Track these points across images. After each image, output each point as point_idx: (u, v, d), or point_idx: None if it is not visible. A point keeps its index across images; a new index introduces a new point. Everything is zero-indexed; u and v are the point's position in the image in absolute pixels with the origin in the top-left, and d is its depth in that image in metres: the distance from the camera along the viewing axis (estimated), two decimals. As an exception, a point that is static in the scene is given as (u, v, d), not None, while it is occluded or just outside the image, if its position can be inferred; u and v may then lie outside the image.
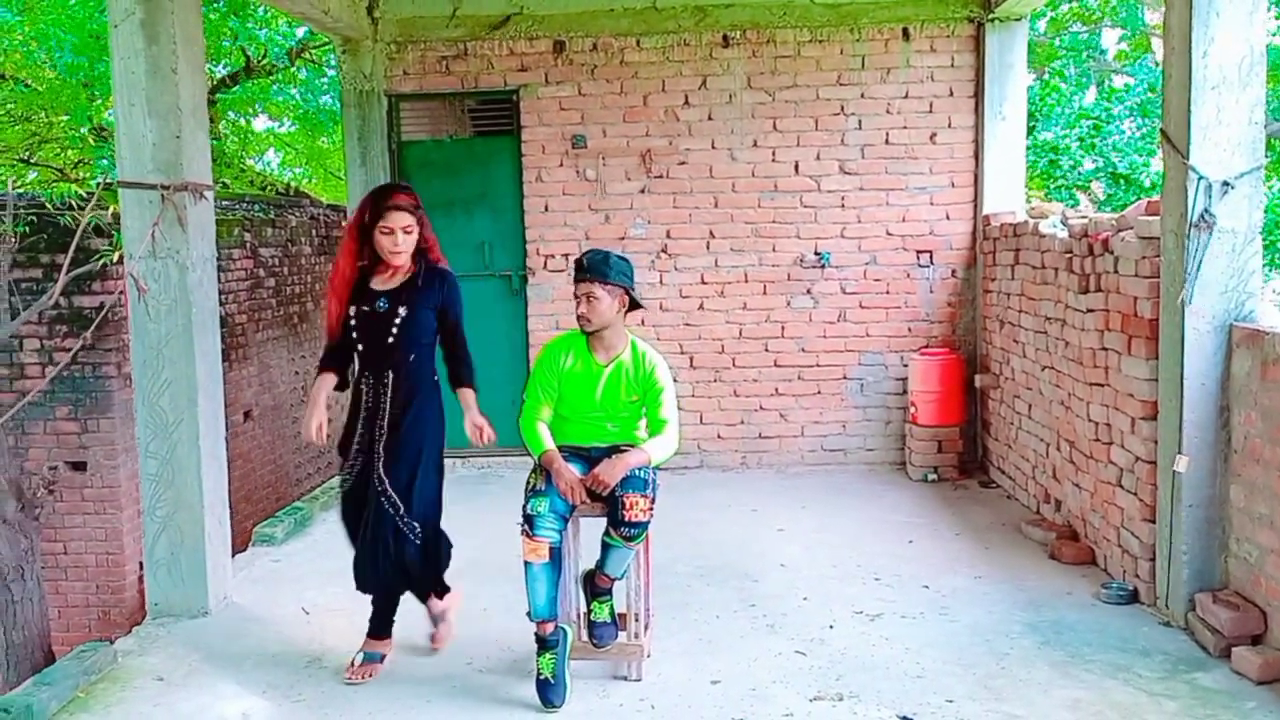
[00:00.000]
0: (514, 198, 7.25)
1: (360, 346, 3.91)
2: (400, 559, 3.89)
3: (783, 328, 7.24)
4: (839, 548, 5.49)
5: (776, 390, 7.28)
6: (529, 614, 3.77)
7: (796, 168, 7.13)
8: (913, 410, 6.94)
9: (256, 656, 4.23)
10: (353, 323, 3.90)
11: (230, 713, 3.74)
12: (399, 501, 3.87)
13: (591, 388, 3.89)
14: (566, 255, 7.20)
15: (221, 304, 8.84)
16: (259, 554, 5.63)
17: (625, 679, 3.92)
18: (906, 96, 7.05)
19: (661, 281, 7.24)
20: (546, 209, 7.22)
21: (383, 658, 4.06)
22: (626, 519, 3.68)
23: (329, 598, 4.90)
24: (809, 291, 7.21)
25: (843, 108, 7.08)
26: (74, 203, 6.62)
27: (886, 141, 7.09)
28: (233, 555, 5.56)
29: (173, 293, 4.43)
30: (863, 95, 7.07)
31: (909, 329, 7.20)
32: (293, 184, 14.90)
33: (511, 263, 7.27)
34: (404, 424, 3.89)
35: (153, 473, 4.54)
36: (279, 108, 13.42)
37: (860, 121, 7.08)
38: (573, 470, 3.81)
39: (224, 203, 9.34)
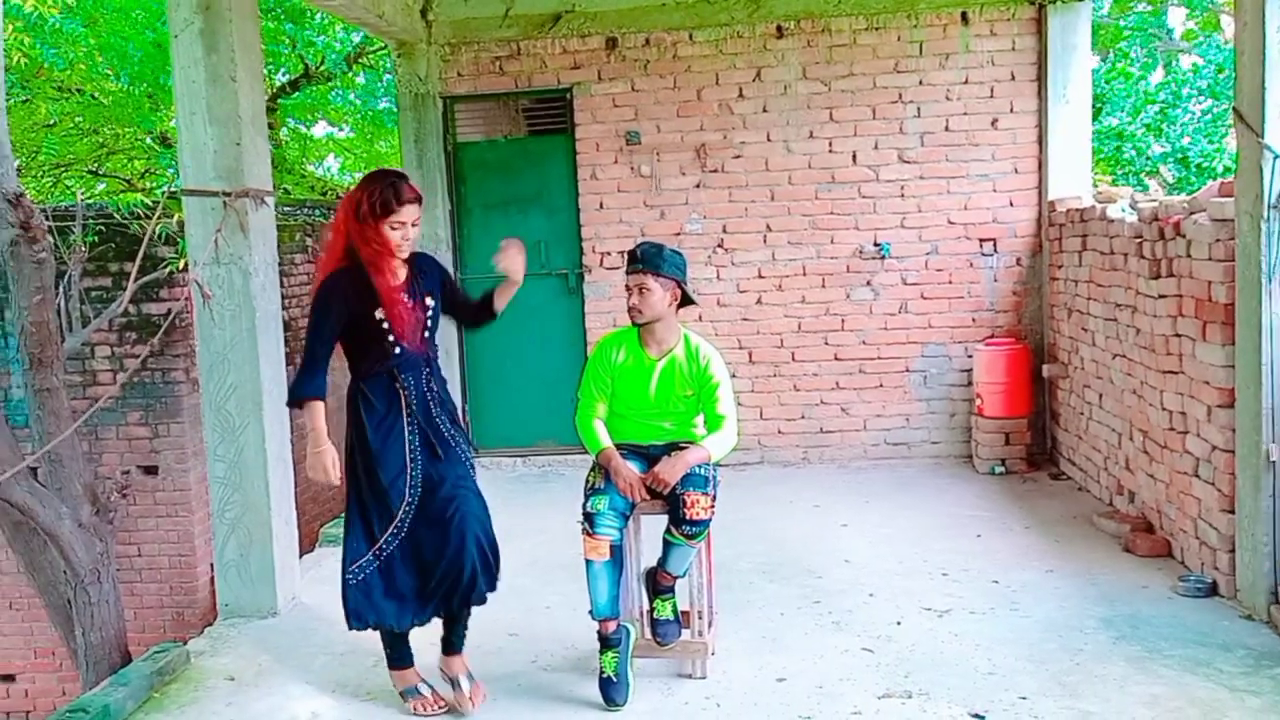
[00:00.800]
0: (569, 196, 7.25)
1: (398, 350, 3.53)
2: (495, 559, 3.71)
3: (843, 321, 7.15)
4: (904, 543, 5.40)
5: (837, 384, 7.19)
6: (591, 613, 3.76)
7: (854, 158, 7.03)
8: (978, 402, 6.81)
9: (325, 656, 4.28)
10: (385, 325, 3.50)
11: (301, 712, 3.78)
12: (478, 497, 3.70)
13: (645, 383, 3.84)
14: (622, 253, 7.13)
15: (285, 307, 8.99)
16: (326, 554, 5.69)
17: (690, 677, 3.89)
18: (966, 82, 6.92)
19: (718, 277, 7.19)
20: (601, 206, 7.21)
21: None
22: (688, 517, 3.65)
23: (394, 597, 4.94)
24: (869, 283, 7.11)
25: (901, 95, 6.96)
26: (140, 211, 6.75)
27: (946, 128, 6.96)
28: (301, 556, 5.65)
29: (236, 298, 4.50)
30: (921, 82, 6.95)
31: (973, 319, 7.06)
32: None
33: (567, 261, 7.27)
34: (448, 415, 3.68)
35: (220, 476, 4.61)
36: (338, 113, 13.60)
37: (919, 109, 6.96)
38: (631, 468, 3.78)
39: (285, 208, 9.48)
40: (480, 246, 7.40)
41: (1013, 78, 6.87)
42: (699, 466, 3.74)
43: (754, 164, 7.10)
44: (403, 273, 3.58)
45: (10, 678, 7.96)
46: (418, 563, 3.59)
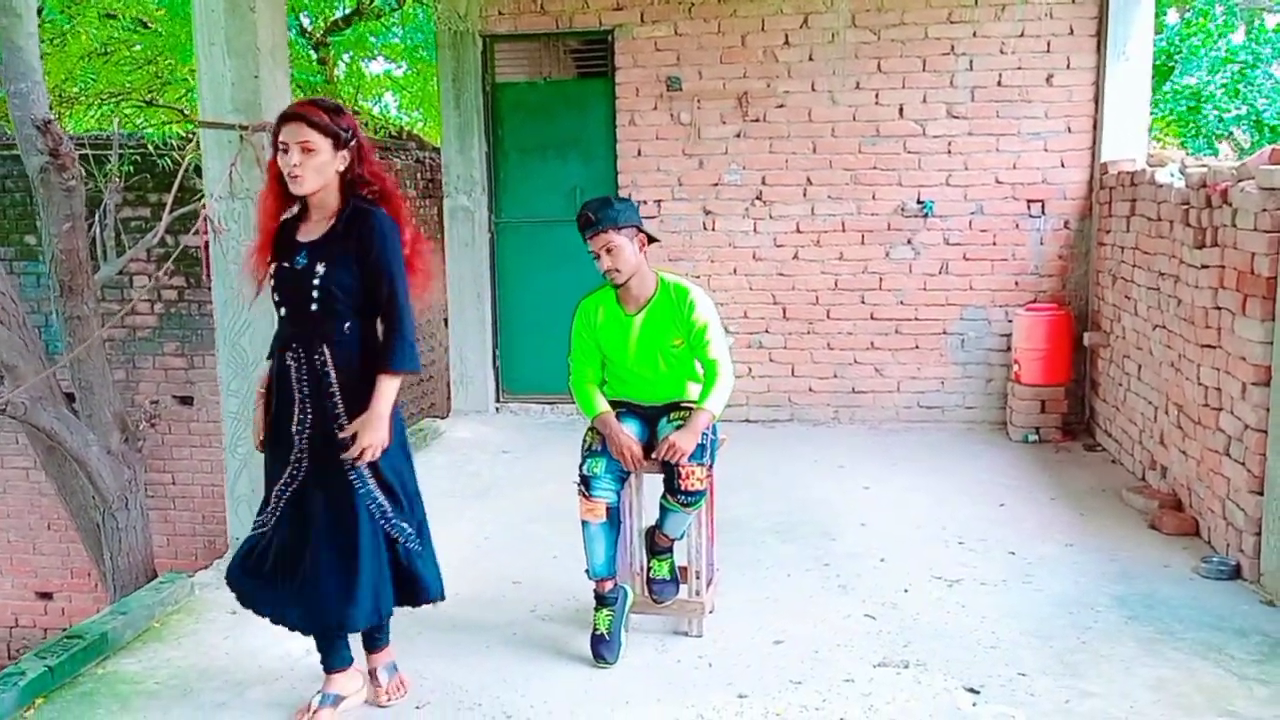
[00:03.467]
0: (607, 142, 7.12)
1: (283, 312, 3.11)
2: (404, 572, 3.19)
3: (881, 279, 6.98)
4: (925, 508, 5.29)
5: (872, 344, 7.04)
6: (587, 572, 3.74)
7: (901, 111, 6.81)
8: (1016, 368, 6.62)
9: (328, 593, 4.30)
10: (272, 283, 3.10)
11: (295, 649, 3.79)
12: (383, 500, 3.11)
13: (626, 342, 3.72)
14: (659, 201, 7.07)
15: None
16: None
17: (686, 635, 3.84)
18: (1022, 35, 6.63)
19: (755, 230, 7.04)
20: (639, 154, 7.08)
21: (338, 700, 3.32)
22: (683, 488, 3.59)
23: (405, 538, 4.96)
24: (910, 242, 6.91)
25: (953, 47, 6.71)
26: (175, 143, 6.77)
27: (999, 83, 6.69)
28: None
29: (251, 233, 4.46)
30: (975, 34, 6.67)
31: (1016, 283, 6.85)
32: (406, 128, 15.06)
33: (602, 208, 7.16)
34: (359, 405, 3.03)
35: (234, 411, 4.63)
36: (393, 50, 13.52)
37: (971, 62, 6.70)
38: (630, 435, 3.69)
39: (329, 145, 9.48)
40: (516, 190, 7.33)
41: (1071, 32, 6.57)
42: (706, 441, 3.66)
43: (797, 114, 6.91)
44: (322, 226, 3.07)
45: (48, 595, 8.22)
46: (292, 559, 3.11)
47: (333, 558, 3.04)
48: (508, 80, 7.31)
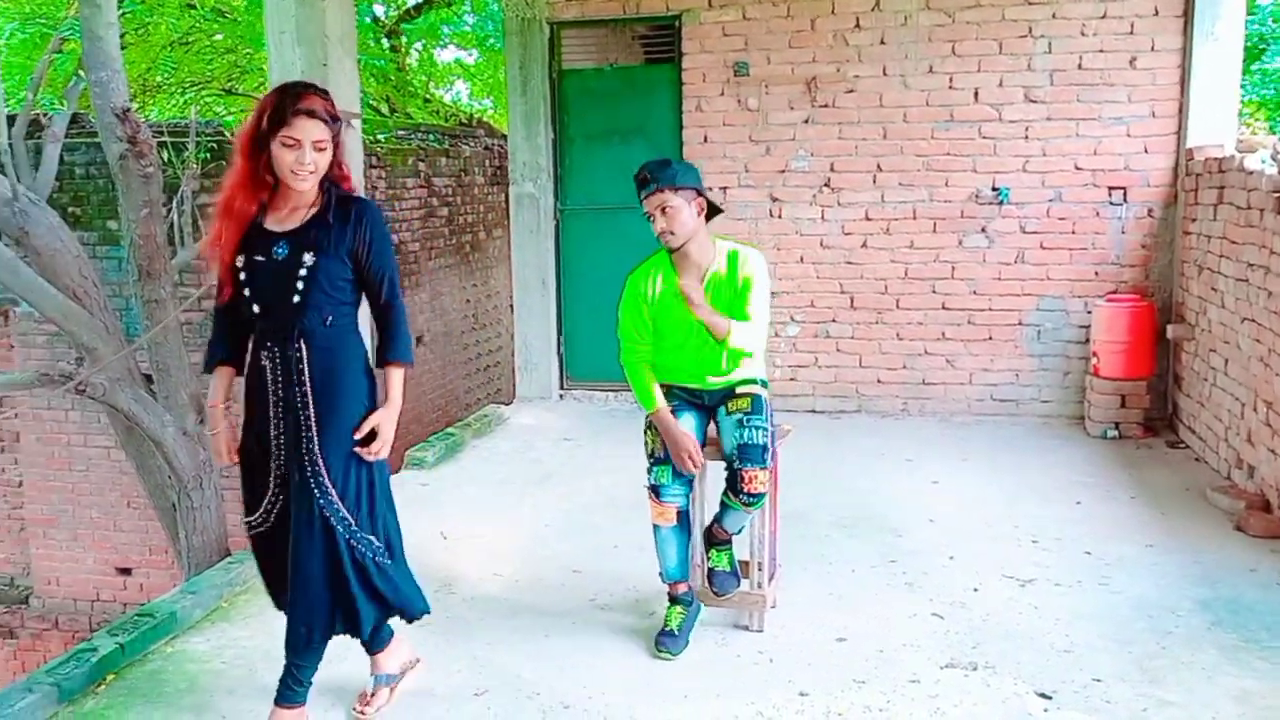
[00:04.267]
0: (673, 128, 7.06)
1: (256, 309, 2.87)
2: (365, 590, 2.98)
3: (953, 268, 6.81)
4: (997, 505, 5.15)
5: (944, 334, 6.88)
6: (661, 575, 3.70)
7: (976, 95, 6.63)
8: (1094, 361, 6.42)
9: (391, 578, 4.32)
10: (243, 277, 2.85)
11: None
12: (346, 513, 2.91)
13: (686, 316, 3.51)
14: (725, 188, 6.98)
15: (394, 232, 9.12)
16: (409, 477, 5.78)
17: (746, 629, 3.79)
18: (1104, 16, 6.41)
19: (823, 217, 6.92)
20: (705, 140, 7.00)
21: (390, 679, 3.26)
22: (745, 490, 3.49)
23: (469, 524, 4.99)
24: (984, 230, 6.74)
25: (1031, 29, 6.50)
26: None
27: (1079, 66, 6.48)
28: (390, 475, 5.73)
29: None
30: (1054, 15, 6.47)
31: (1095, 272, 6.64)
32: (476, 115, 15.17)
33: (669, 195, 7.10)
34: (335, 407, 2.89)
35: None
36: (464, 38, 13.59)
37: (1050, 44, 6.49)
38: (689, 436, 3.57)
39: (399, 133, 9.56)
40: (581, 177, 7.31)
41: (1156, 13, 6.32)
42: (759, 434, 3.50)
43: (867, 99, 6.77)
44: (300, 214, 2.88)
45: (128, 571, 8.44)
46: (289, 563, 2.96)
47: (311, 578, 2.91)
48: (574, 67, 7.28)
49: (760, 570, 3.75)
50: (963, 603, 4.00)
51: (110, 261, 8.11)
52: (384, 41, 12.71)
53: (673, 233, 3.44)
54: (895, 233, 6.85)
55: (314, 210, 2.88)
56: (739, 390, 3.63)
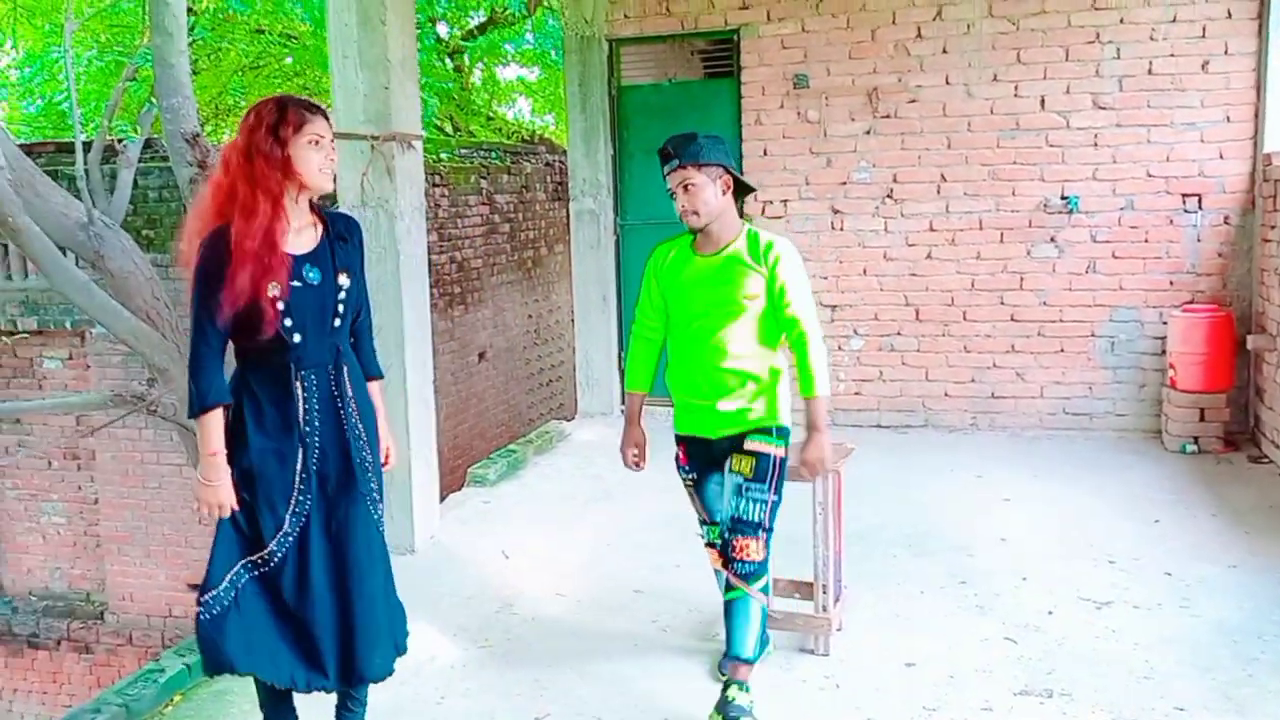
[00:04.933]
0: (732, 142, 7.00)
1: (297, 337, 2.67)
2: (398, 619, 2.94)
3: (1021, 279, 6.66)
4: (1071, 523, 5.00)
5: (1013, 347, 6.73)
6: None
7: (1042, 103, 6.48)
8: (1171, 373, 6.23)
9: (452, 598, 4.33)
10: (281, 306, 2.63)
11: (420, 654, 3.82)
12: (379, 548, 2.85)
13: (692, 287, 3.21)
14: (785, 201, 6.92)
15: (457, 249, 9.21)
16: (471, 494, 5.80)
17: (811, 653, 3.71)
18: (1174, 20, 6.23)
19: (886, 229, 6.82)
20: (765, 153, 6.94)
21: None
22: (736, 558, 3.20)
23: (530, 542, 4.98)
24: (1053, 239, 6.58)
25: (1098, 35, 6.35)
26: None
27: (1149, 72, 6.31)
28: (453, 492, 5.77)
29: (382, 241, 4.55)
30: (1122, 20, 6.31)
31: (1170, 282, 6.44)
32: (537, 131, 15.29)
33: (729, 209, 7.06)
34: (372, 426, 2.85)
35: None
36: (526, 56, 13.72)
37: (1118, 50, 6.33)
38: (640, 434, 3.42)
39: (461, 151, 9.65)
40: (640, 192, 7.30)
41: (1229, 15, 6.14)
42: (757, 509, 3.18)
43: (930, 109, 6.66)
44: (309, 234, 2.73)
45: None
46: (284, 607, 2.73)
47: (376, 595, 2.80)
48: (632, 83, 7.29)
49: (825, 592, 3.67)
50: (1036, 626, 3.89)
51: (183, 283, 8.28)
52: (447, 61, 12.89)
53: (695, 212, 3.16)
54: (961, 244, 6.72)
55: (319, 228, 2.76)
56: (748, 444, 3.22)
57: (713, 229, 3.21)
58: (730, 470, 3.25)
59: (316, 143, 2.65)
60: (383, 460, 2.93)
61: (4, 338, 8.52)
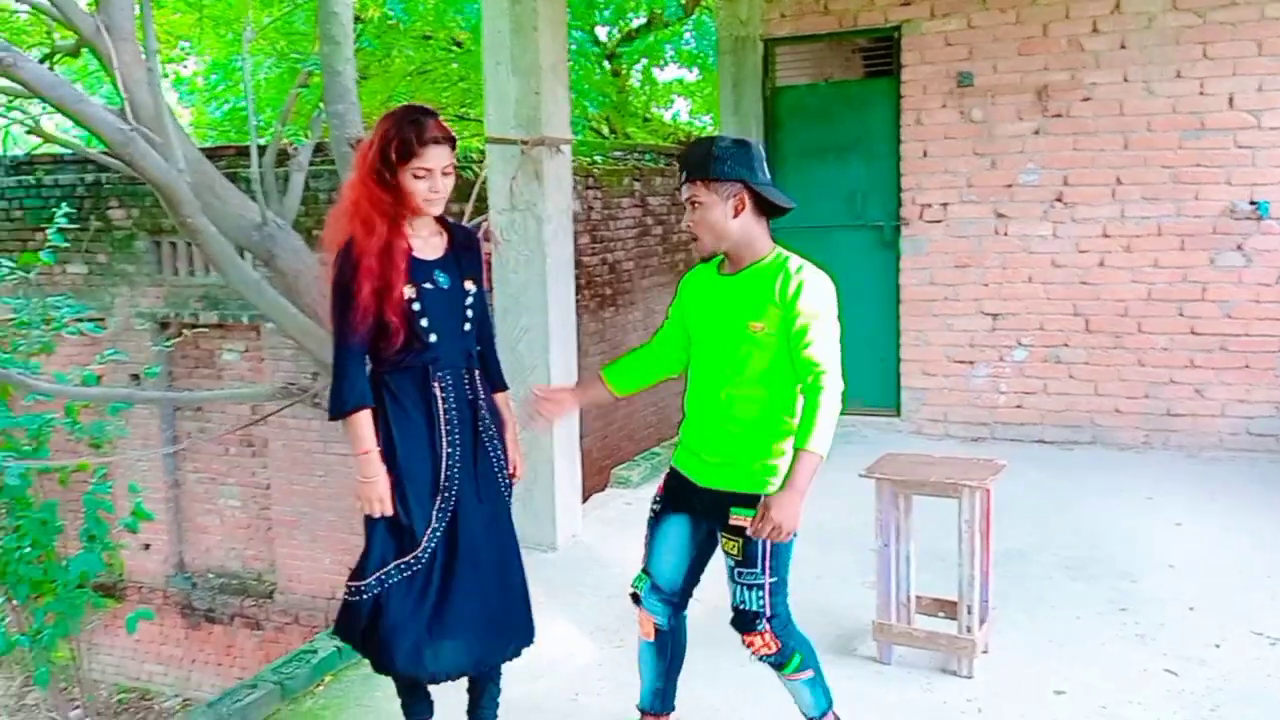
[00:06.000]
0: (890, 143, 6.82)
1: (433, 338, 2.77)
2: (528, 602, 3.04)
3: (1204, 289, 6.23)
4: (1248, 551, 4.65)
5: (1192, 362, 6.30)
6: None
7: (1230, 101, 6.04)
8: (1371, 393, 5.71)
9: (591, 597, 4.36)
10: (416, 307, 2.74)
11: (558, 652, 3.87)
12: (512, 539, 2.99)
13: (710, 309, 2.83)
14: (945, 205, 6.68)
15: (609, 250, 9.30)
16: (614, 495, 5.83)
17: (954, 674, 3.56)
18: (1386, 8, 5.72)
19: (1054, 234, 6.50)
20: (925, 154, 6.72)
21: None
22: (753, 653, 2.87)
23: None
24: (1240, 248, 6.12)
25: (1296, 27, 5.88)
26: (475, 156, 7.15)
27: (1354, 65, 5.81)
28: (589, 497, 5.81)
29: (530, 244, 4.62)
30: (1324, 10, 5.83)
31: (1372, 294, 5.91)
32: (693, 133, 15.31)
33: (883, 213, 6.86)
34: (498, 431, 2.95)
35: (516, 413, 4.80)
36: (687, 57, 13.77)
37: (1319, 42, 5.85)
38: (568, 395, 3.24)
39: (615, 153, 9.74)
40: (793, 195, 7.06)
41: None
42: (754, 597, 2.80)
43: (1105, 108, 6.30)
44: (437, 242, 2.84)
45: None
46: (441, 597, 2.81)
47: (514, 587, 2.96)
48: (788, 84, 7.18)
49: (969, 613, 3.52)
50: (1201, 659, 3.62)
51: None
52: (605, 64, 13.06)
53: (695, 237, 2.79)
54: (1137, 250, 6.33)
55: (446, 237, 2.87)
56: (732, 518, 2.78)
57: (731, 251, 2.79)
58: (723, 548, 2.87)
59: (422, 175, 2.71)
60: (510, 471, 2.98)
61: (187, 330, 9.10)
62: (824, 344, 2.67)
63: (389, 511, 2.73)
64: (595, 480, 6.60)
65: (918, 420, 6.85)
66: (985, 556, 3.59)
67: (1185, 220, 6.22)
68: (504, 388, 3.03)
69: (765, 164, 2.81)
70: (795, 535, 2.74)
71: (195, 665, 9.60)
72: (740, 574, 2.81)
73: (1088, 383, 6.53)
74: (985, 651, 3.64)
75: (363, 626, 2.77)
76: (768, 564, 2.78)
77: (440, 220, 2.87)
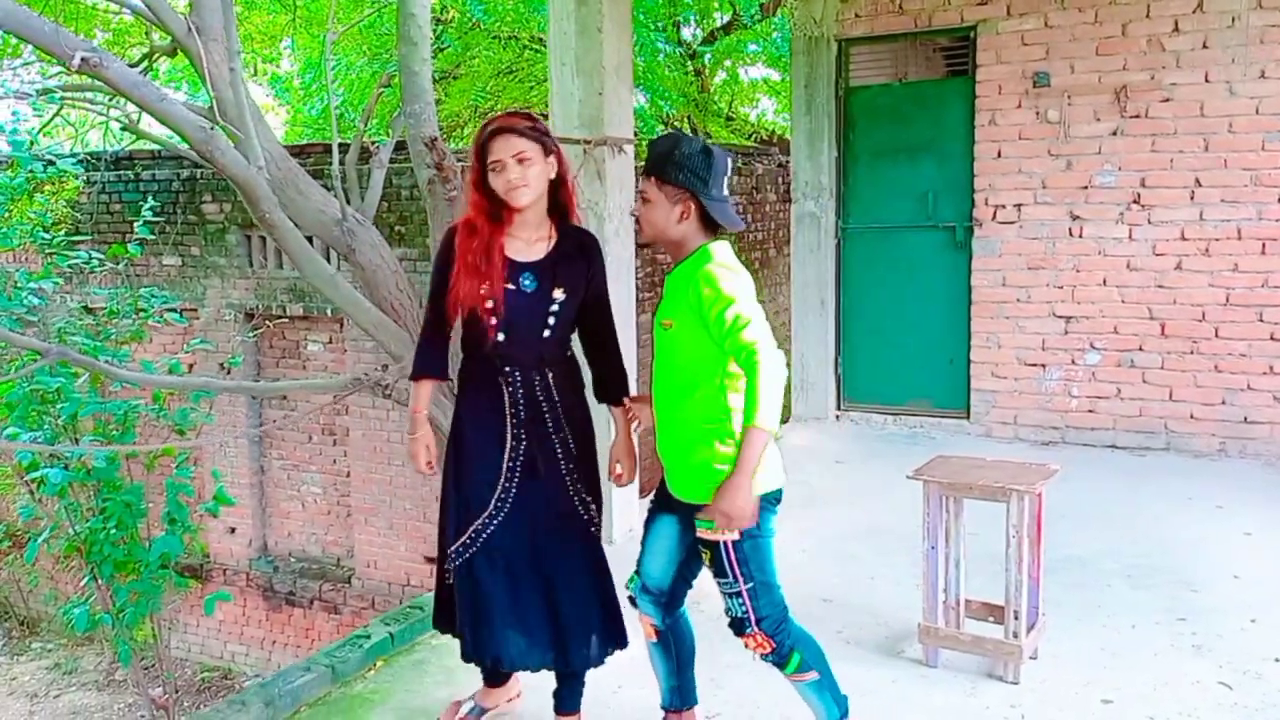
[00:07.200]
0: (964, 143, 6.75)
1: (502, 336, 2.89)
2: (613, 614, 3.11)
3: (1286, 295, 6.06)
4: (1321, 565, 4.53)
5: (1271, 368, 6.13)
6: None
7: (1317, 101, 5.87)
8: None
9: (644, 591, 4.43)
10: (490, 305, 2.85)
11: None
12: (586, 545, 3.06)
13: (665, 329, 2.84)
14: (1019, 206, 6.60)
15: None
16: (676, 492, 5.88)
17: (1000, 680, 3.56)
18: None
19: (1130, 236, 6.37)
20: (999, 155, 6.64)
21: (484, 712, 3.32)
22: (753, 652, 2.90)
23: (725, 543, 5.01)
24: (1325, 252, 5.95)
25: (1390, 24, 5.68)
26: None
27: None
28: (646, 492, 5.88)
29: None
30: None
31: None
32: (776, 132, 15.27)
33: (956, 213, 6.80)
34: (585, 435, 3.04)
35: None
36: (771, 56, 13.74)
37: None
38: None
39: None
40: (865, 195, 7.17)
41: None
42: (736, 604, 2.82)
43: (1186, 108, 6.16)
44: (540, 246, 2.92)
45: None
46: (501, 591, 2.96)
47: (579, 589, 3.02)
48: (861, 84, 7.15)
49: (1016, 618, 3.51)
50: (1259, 674, 3.55)
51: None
52: (688, 64, 13.10)
53: (638, 227, 2.88)
54: (1215, 254, 6.18)
55: (552, 241, 2.95)
56: (700, 529, 2.79)
57: (669, 249, 2.84)
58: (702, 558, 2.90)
59: (496, 168, 2.82)
60: (614, 476, 3.11)
61: (270, 321, 9.42)
62: (749, 325, 2.61)
63: (421, 468, 2.99)
64: (655, 476, 6.67)
65: (987, 423, 6.78)
66: (1035, 562, 3.58)
67: (1267, 224, 6.05)
68: (618, 401, 3.11)
69: (727, 178, 2.78)
70: (765, 535, 2.81)
71: (275, 646, 9.95)
72: (719, 584, 2.83)
73: (1162, 388, 6.39)
74: (1034, 658, 3.63)
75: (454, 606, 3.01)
76: (737, 571, 2.77)
77: (558, 222, 2.97)
